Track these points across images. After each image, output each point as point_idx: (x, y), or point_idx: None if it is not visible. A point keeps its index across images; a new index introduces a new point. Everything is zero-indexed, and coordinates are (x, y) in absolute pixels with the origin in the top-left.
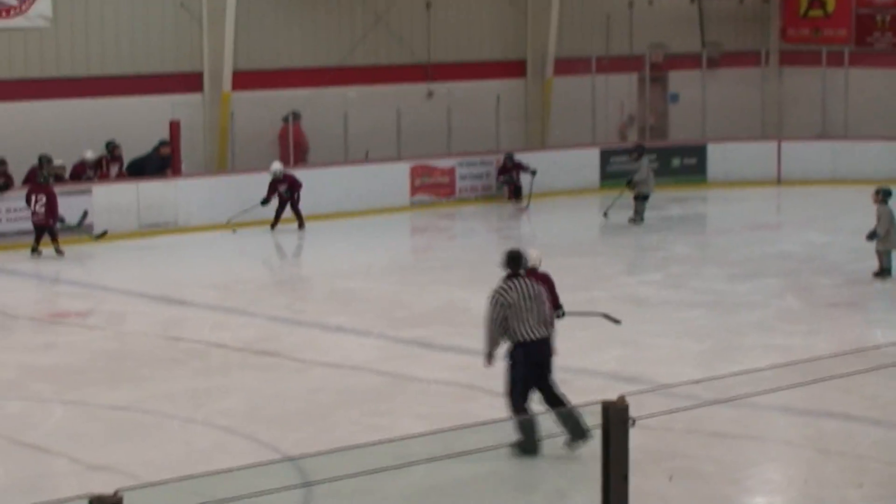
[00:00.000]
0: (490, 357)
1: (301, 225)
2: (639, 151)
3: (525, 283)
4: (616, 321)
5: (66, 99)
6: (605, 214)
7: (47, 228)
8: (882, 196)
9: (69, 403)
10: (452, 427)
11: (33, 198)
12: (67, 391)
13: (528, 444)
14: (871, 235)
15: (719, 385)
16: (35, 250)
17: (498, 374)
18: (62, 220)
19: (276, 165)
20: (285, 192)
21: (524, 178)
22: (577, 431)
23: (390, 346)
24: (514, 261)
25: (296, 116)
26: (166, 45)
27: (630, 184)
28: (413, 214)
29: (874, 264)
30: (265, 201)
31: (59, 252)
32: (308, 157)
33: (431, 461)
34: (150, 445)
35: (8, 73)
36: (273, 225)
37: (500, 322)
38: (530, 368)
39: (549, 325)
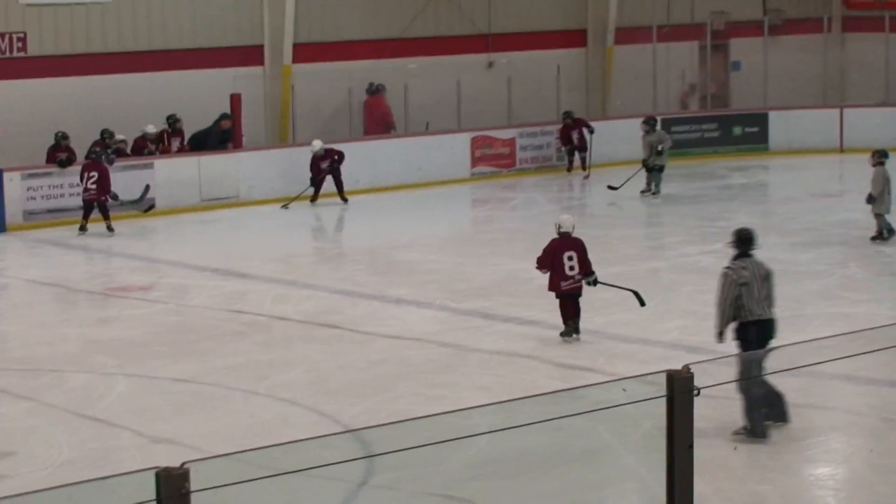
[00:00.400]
0: (721, 335)
1: (344, 199)
2: (650, 124)
3: (756, 262)
4: (642, 303)
5: (128, 73)
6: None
7: (98, 205)
8: (878, 158)
9: (132, 377)
10: (514, 398)
11: (86, 174)
12: (130, 364)
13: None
14: (870, 199)
15: (783, 354)
16: (83, 228)
17: (556, 345)
18: (115, 197)
19: (317, 143)
20: (327, 167)
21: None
22: (779, 413)
23: (451, 317)
24: (746, 241)
25: (380, 88)
26: (227, 19)
27: (657, 155)
28: (473, 186)
29: None
30: (314, 180)
31: (110, 229)
32: (393, 130)
33: (493, 432)
34: (213, 418)
35: (70, 48)
36: (313, 199)
37: (733, 301)
38: (761, 346)
39: (774, 306)
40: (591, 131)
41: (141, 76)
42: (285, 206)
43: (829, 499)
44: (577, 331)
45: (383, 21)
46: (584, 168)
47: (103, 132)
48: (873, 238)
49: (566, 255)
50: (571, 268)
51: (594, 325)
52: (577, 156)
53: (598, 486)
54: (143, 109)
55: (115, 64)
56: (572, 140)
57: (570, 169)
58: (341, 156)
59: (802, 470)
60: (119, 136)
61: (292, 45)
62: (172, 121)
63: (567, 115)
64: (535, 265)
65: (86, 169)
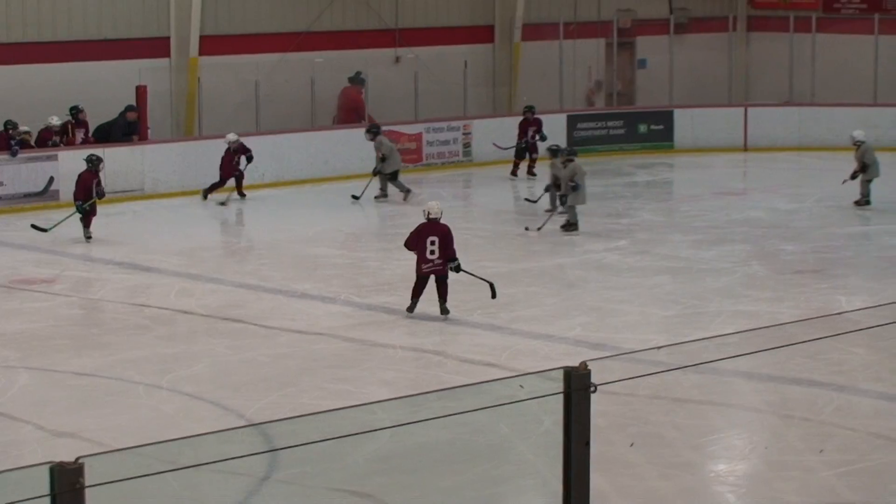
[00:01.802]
0: None
1: (242, 194)
2: (374, 132)
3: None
4: (494, 295)
5: (32, 64)
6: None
7: None
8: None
9: (34, 370)
10: (417, 392)
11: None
12: (32, 358)
13: None
14: (863, 168)
15: (684, 351)
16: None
17: (460, 340)
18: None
19: (232, 136)
20: (237, 162)
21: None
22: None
23: (356, 312)
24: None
25: (360, 80)
26: (133, 10)
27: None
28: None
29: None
30: (222, 173)
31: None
32: (363, 119)
33: (396, 427)
34: (116, 412)
35: None
36: (207, 193)
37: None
38: None
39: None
40: (543, 138)
41: (45, 67)
42: (223, 203)
43: (728, 495)
44: (444, 311)
45: (290, 14)
46: (530, 173)
47: (6, 123)
48: (857, 202)
49: (429, 239)
50: (432, 252)
51: (498, 321)
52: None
53: (500, 482)
54: (47, 101)
55: (19, 54)
56: (528, 134)
57: (514, 172)
58: (251, 155)
59: (702, 466)
60: (23, 128)
61: (199, 37)
62: (76, 112)
63: (528, 108)
64: (404, 244)
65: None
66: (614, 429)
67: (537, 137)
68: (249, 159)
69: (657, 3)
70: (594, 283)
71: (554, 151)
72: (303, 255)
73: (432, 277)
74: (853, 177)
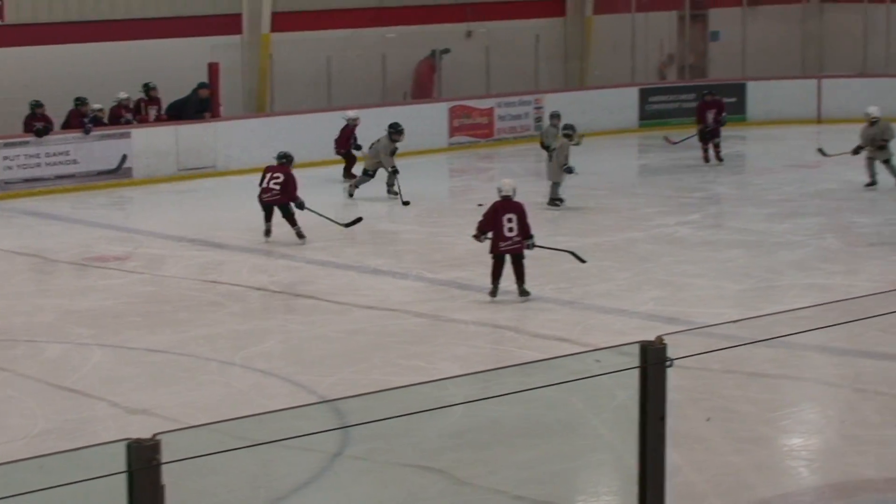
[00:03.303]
0: None
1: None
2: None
3: None
4: (582, 261)
5: (104, 42)
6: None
7: (281, 207)
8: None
9: (107, 347)
10: (489, 368)
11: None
12: (106, 335)
13: None
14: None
15: (757, 325)
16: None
17: (532, 315)
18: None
19: (352, 112)
20: (354, 140)
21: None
22: None
23: (428, 287)
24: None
25: (444, 52)
26: None
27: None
28: (451, 155)
29: None
30: (346, 153)
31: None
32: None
33: (469, 403)
34: (189, 388)
35: (47, 16)
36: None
37: None
38: None
39: None
40: (723, 123)
41: (117, 45)
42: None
43: (801, 469)
44: (523, 292)
45: None
46: (718, 158)
47: (77, 100)
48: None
49: (506, 216)
50: (511, 229)
51: (570, 296)
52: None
53: (573, 457)
54: (120, 78)
55: (91, 32)
56: (706, 121)
57: (706, 158)
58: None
59: (775, 440)
60: (96, 105)
61: (270, 14)
62: (149, 89)
63: (707, 91)
64: (475, 229)
65: (269, 170)
66: (688, 403)
67: (720, 120)
68: (358, 147)
69: None
70: (666, 257)
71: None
72: (374, 231)
73: (508, 257)
74: (855, 152)
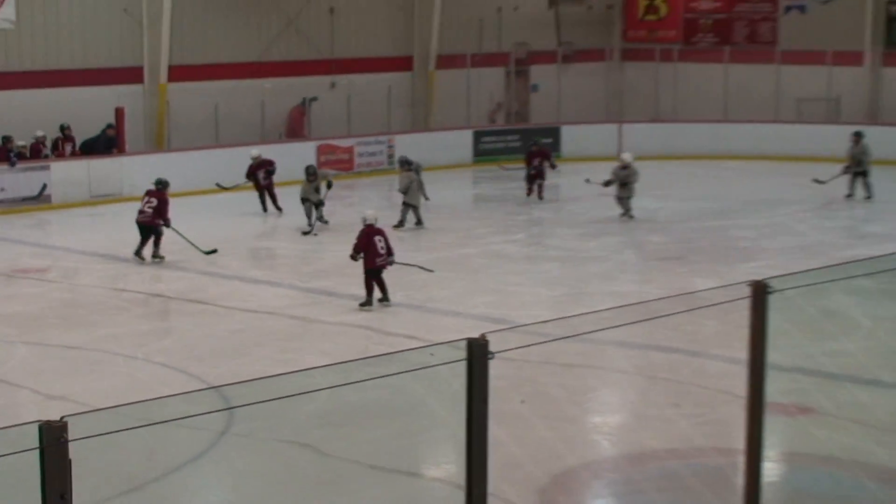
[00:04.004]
0: None
1: (279, 208)
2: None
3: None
4: (430, 270)
5: (27, 89)
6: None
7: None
8: (856, 137)
9: (30, 344)
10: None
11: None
12: (29, 334)
13: None
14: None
15: (567, 324)
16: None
17: (385, 317)
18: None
19: (255, 150)
20: (263, 177)
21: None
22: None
23: (299, 294)
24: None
25: (312, 100)
26: (112, 44)
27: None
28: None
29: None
30: (257, 188)
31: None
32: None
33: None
34: (99, 378)
35: None
36: (266, 208)
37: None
38: None
39: None
40: (553, 166)
41: (38, 91)
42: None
43: (602, 442)
44: (386, 300)
45: (244, 47)
46: (540, 197)
47: (4, 138)
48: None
49: (376, 238)
50: (383, 248)
51: (417, 302)
52: (535, 183)
53: (416, 434)
54: (40, 121)
55: (15, 81)
56: (533, 165)
57: (528, 193)
58: (273, 165)
59: (581, 419)
60: (20, 142)
61: (167, 67)
62: (64, 129)
63: (534, 142)
64: (351, 252)
65: (148, 194)
66: (510, 388)
67: (552, 165)
68: (271, 172)
69: (547, 36)
70: (495, 269)
71: (403, 163)
72: (254, 248)
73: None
74: (606, 184)
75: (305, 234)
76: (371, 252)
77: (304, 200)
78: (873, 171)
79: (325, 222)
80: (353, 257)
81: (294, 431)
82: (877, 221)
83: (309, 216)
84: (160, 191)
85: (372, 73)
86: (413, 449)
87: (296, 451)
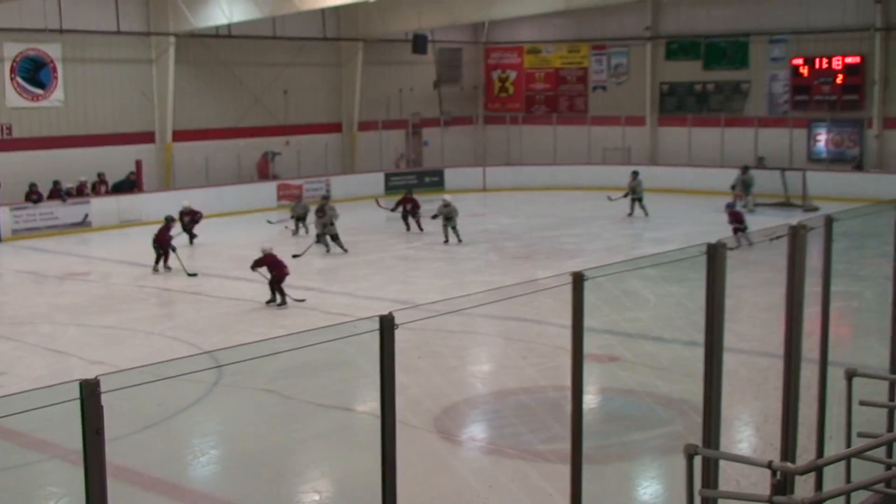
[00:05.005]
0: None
1: (193, 237)
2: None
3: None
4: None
5: (73, 148)
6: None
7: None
8: (633, 174)
9: (77, 325)
10: (300, 331)
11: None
12: (76, 318)
13: None
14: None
15: (452, 304)
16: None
17: (326, 300)
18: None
19: (186, 202)
20: (188, 223)
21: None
22: None
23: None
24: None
25: (276, 154)
26: (133, 116)
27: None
28: (279, 212)
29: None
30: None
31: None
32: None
33: (289, 351)
34: (129, 349)
35: (38, 132)
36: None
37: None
38: None
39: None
40: (415, 215)
41: (81, 150)
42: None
43: (477, 384)
44: (284, 302)
45: (224, 117)
46: (420, 228)
47: (55, 182)
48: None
49: (278, 259)
50: (285, 265)
51: (348, 290)
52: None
53: (350, 381)
54: (82, 169)
55: (65, 142)
56: (406, 208)
57: (408, 229)
58: (200, 214)
59: (462, 369)
60: (68, 185)
61: (171, 131)
62: (101, 175)
63: (408, 190)
64: (251, 266)
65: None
66: (411, 349)
67: (415, 213)
68: (196, 220)
69: (433, 107)
70: (401, 267)
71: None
72: (236, 255)
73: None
74: (434, 217)
75: (295, 256)
76: (278, 270)
77: (319, 236)
78: (655, 197)
79: (345, 250)
80: (253, 269)
81: (265, 381)
82: (655, 230)
83: (326, 245)
84: (167, 223)
85: (314, 134)
86: (347, 392)
87: (266, 395)
